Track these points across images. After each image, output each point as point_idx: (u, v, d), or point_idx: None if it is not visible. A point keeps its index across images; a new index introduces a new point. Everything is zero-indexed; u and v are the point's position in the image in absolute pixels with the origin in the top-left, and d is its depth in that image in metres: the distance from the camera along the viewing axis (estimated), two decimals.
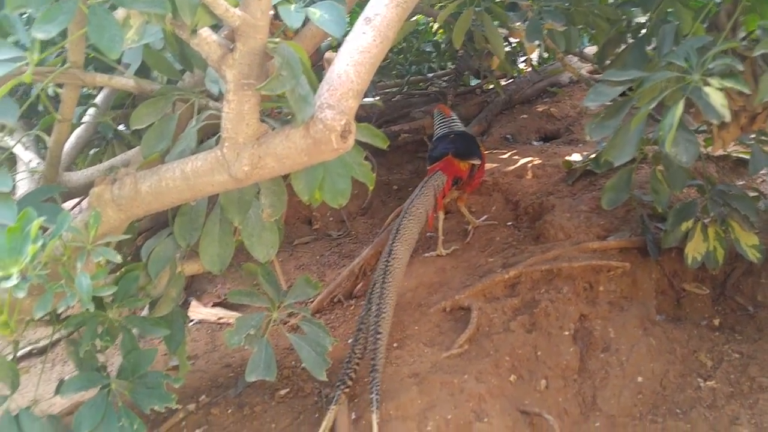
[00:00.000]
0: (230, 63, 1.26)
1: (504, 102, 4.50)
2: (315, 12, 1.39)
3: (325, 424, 2.01)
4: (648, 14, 2.29)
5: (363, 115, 4.32)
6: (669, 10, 2.24)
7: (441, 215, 3.02)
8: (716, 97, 1.66)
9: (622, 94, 1.96)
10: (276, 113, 1.84)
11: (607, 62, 2.48)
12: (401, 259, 2.47)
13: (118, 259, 1.35)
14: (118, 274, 1.72)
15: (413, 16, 3.71)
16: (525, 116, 4.39)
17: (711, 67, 1.74)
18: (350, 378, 2.14)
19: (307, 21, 1.47)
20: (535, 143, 4.14)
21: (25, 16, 1.75)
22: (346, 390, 2.12)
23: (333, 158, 1.40)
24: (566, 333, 2.41)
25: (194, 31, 1.24)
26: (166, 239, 1.73)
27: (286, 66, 1.24)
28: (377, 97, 4.74)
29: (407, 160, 4.21)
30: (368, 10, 1.35)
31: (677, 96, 1.75)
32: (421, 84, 4.99)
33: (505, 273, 2.59)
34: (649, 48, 2.31)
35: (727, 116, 1.64)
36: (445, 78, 4.94)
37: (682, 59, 1.80)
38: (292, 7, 1.44)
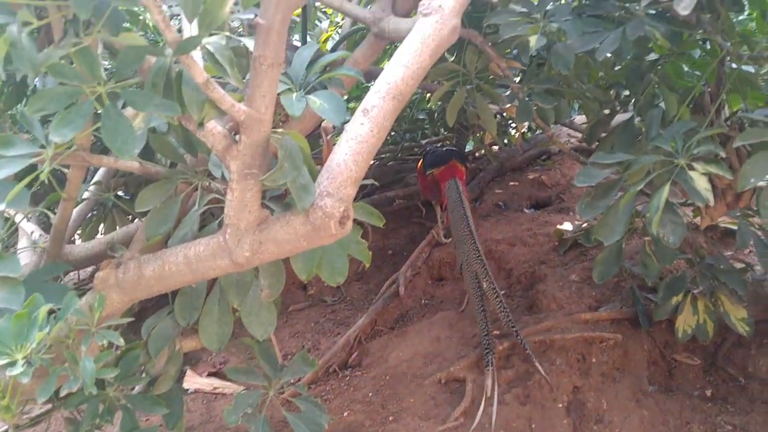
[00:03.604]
0: (234, 154, 1.32)
1: (496, 169, 4.58)
2: (315, 101, 1.46)
3: (490, 383, 2.42)
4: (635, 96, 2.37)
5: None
6: (655, 92, 2.33)
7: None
8: (700, 182, 1.73)
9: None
10: None
11: (596, 144, 2.56)
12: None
13: (122, 342, 1.38)
14: (118, 353, 1.74)
15: None
16: (516, 183, 4.47)
17: (696, 152, 1.81)
18: (493, 344, 2.55)
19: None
20: (526, 211, 4.20)
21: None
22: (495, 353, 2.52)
23: (331, 242, 1.44)
24: (560, 405, 2.42)
25: (201, 124, 1.31)
26: (166, 318, 1.76)
27: (289, 158, 1.30)
28: (373, 181, 4.82)
29: (402, 225, 4.26)
30: (366, 102, 1.41)
31: (664, 178, 1.82)
32: (415, 150, 5.07)
33: (499, 344, 2.61)
34: (637, 120, 2.39)
35: (711, 201, 1.70)
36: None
37: (669, 143, 1.88)
38: (294, 96, 1.51)
